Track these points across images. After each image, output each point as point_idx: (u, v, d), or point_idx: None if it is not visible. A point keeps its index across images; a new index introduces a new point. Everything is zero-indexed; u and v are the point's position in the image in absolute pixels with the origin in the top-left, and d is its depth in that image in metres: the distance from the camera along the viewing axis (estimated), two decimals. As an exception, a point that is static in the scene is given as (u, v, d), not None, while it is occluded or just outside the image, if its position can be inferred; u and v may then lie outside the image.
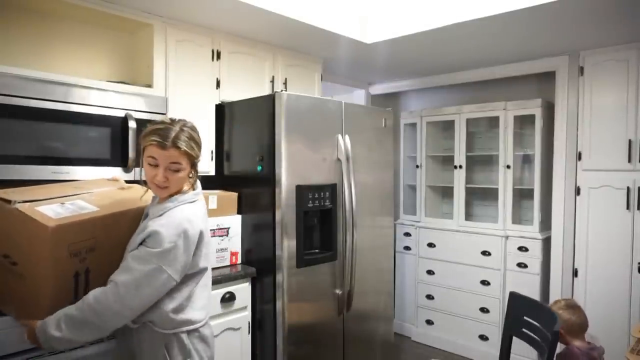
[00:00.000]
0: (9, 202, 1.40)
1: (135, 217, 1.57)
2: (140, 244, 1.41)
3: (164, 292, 1.42)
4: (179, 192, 1.51)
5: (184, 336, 1.47)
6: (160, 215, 1.45)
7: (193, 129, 1.50)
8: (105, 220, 1.49)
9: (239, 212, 2.51)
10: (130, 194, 1.68)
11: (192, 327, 1.49)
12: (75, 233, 1.41)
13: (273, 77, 2.97)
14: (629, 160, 2.83)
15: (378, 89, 4.33)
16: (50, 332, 1.34)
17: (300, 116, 2.33)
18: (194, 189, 1.55)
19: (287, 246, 2.27)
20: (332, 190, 2.46)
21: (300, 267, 2.32)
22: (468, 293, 3.58)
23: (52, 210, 1.41)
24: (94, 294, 1.37)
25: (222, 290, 2.27)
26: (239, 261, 2.50)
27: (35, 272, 1.39)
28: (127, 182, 2.22)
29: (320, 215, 2.49)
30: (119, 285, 1.36)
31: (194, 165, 1.51)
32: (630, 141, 2.83)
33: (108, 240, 1.51)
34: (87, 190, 1.64)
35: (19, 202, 1.39)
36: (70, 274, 1.43)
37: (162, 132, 1.42)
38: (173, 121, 1.47)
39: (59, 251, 1.37)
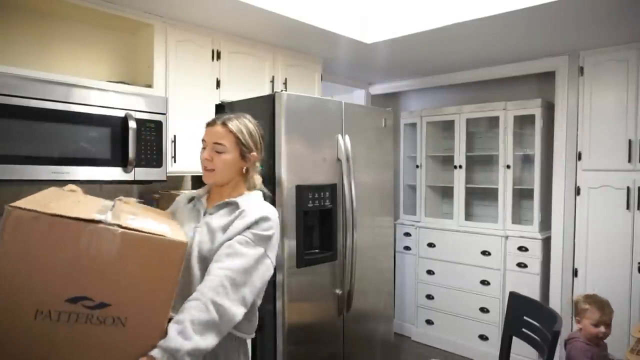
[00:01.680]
0: (93, 221, 1.00)
1: None
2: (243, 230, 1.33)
3: (266, 283, 1.35)
4: (238, 192, 1.45)
5: (249, 342, 1.42)
6: (248, 204, 1.38)
7: (251, 120, 1.50)
8: None
9: (239, 212, 2.51)
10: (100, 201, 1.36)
11: (253, 335, 1.43)
12: None
13: (273, 77, 2.97)
14: (629, 160, 2.83)
15: (378, 89, 4.33)
16: (181, 347, 1.08)
17: (300, 116, 2.33)
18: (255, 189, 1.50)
19: (287, 246, 2.27)
20: (332, 190, 2.46)
21: (300, 267, 2.33)
22: (468, 293, 3.58)
23: (154, 224, 1.12)
24: (206, 287, 1.20)
25: (222, 290, 2.26)
26: (239, 261, 2.49)
27: (148, 310, 1.06)
28: (127, 182, 2.23)
29: (320, 215, 2.49)
30: (234, 270, 1.24)
31: (244, 156, 1.44)
32: (630, 141, 2.83)
33: None
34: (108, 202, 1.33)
35: (111, 222, 1.02)
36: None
37: (219, 116, 1.47)
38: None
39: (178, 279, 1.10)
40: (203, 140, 1.45)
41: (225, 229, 1.34)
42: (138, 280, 1.04)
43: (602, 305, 2.06)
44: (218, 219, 1.38)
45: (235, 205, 1.40)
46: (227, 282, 1.22)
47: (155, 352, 1.06)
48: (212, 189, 1.52)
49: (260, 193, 1.50)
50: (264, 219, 1.35)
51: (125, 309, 1.03)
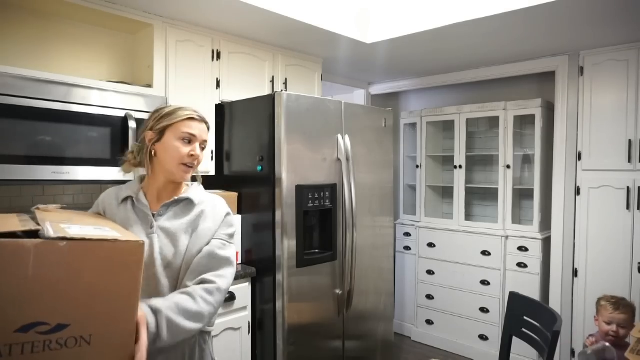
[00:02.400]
0: (30, 237, 0.88)
1: None
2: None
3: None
4: (182, 186, 1.39)
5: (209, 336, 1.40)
6: (201, 199, 1.34)
7: None
8: None
9: (239, 212, 2.51)
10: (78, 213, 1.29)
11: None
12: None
13: (273, 77, 2.97)
14: (629, 160, 2.83)
15: (378, 89, 4.33)
16: (162, 309, 1.11)
17: (300, 116, 2.33)
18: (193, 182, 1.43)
19: (287, 246, 2.27)
20: (332, 190, 2.46)
21: (300, 267, 2.33)
22: (468, 293, 3.58)
23: (97, 229, 1.02)
24: (199, 288, 1.20)
25: (222, 290, 2.27)
26: (239, 261, 2.50)
27: (114, 321, 0.96)
28: (127, 182, 2.22)
29: (320, 215, 2.49)
30: (223, 278, 1.26)
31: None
32: (630, 141, 2.83)
33: None
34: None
35: (52, 235, 0.89)
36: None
37: (189, 107, 1.34)
38: None
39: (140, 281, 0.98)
40: (193, 135, 1.31)
41: (187, 231, 1.29)
42: (97, 291, 0.93)
43: (617, 304, 2.04)
44: (174, 221, 1.30)
45: (188, 202, 1.33)
46: (217, 287, 1.24)
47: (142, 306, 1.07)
48: (147, 185, 1.37)
49: (199, 183, 1.44)
50: (228, 214, 1.36)
51: (87, 326, 0.92)
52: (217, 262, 1.27)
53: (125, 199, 1.34)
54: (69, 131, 1.99)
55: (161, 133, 1.30)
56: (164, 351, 1.20)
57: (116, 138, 2.14)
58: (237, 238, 2.48)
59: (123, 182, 2.13)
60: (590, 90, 3.00)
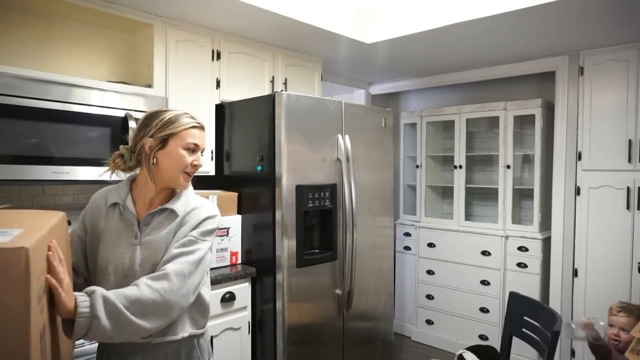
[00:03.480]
0: None
1: (60, 233, 1.10)
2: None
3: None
4: (174, 193, 1.37)
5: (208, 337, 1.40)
6: (191, 207, 1.33)
7: None
8: (49, 238, 0.99)
9: (239, 212, 2.51)
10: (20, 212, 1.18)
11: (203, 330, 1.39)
12: (41, 260, 0.93)
13: (273, 77, 2.97)
14: (629, 160, 2.83)
15: (378, 89, 4.33)
16: (97, 291, 1.08)
17: (300, 116, 2.33)
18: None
19: (287, 246, 2.27)
20: (332, 190, 2.46)
21: (300, 267, 2.33)
22: (468, 293, 3.58)
23: None
24: (145, 276, 1.18)
25: (222, 290, 2.27)
26: (239, 261, 2.50)
27: (4, 341, 0.82)
28: (118, 182, 2.22)
29: (320, 215, 2.49)
30: (185, 263, 1.21)
31: None
32: (630, 141, 2.83)
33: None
34: None
35: None
36: (38, 335, 0.88)
37: (188, 113, 1.33)
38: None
39: (33, 292, 0.85)
40: (197, 145, 1.32)
41: (167, 242, 1.27)
42: None
43: (621, 307, 2.01)
44: (156, 232, 1.28)
45: (171, 212, 1.31)
46: (164, 274, 1.19)
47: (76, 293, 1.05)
48: (139, 190, 1.34)
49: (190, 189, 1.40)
50: (209, 217, 1.33)
51: None
52: (174, 256, 1.23)
53: (113, 205, 1.32)
54: (69, 131, 1.99)
55: (164, 141, 1.28)
56: (139, 351, 1.21)
57: (116, 138, 2.14)
58: (237, 238, 2.48)
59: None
60: (590, 90, 3.00)
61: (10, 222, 0.98)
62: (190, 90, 2.54)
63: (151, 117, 1.32)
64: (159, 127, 1.28)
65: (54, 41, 2.31)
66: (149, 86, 2.40)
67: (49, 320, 0.97)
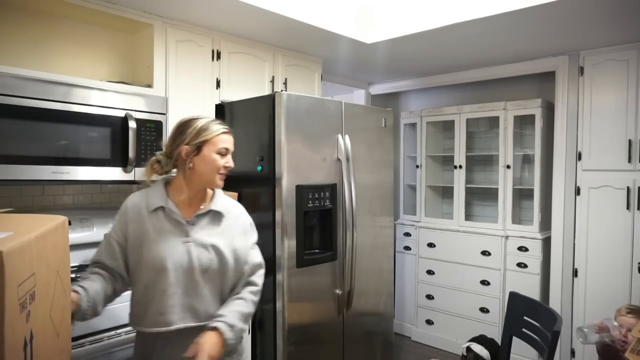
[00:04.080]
0: None
1: (56, 238, 1.09)
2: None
3: None
4: (209, 194, 1.56)
5: None
6: (228, 209, 1.55)
7: None
8: (39, 243, 0.96)
9: (239, 212, 2.51)
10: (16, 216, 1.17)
11: None
12: (23, 265, 0.88)
13: (273, 77, 2.97)
14: (629, 160, 2.83)
15: (378, 89, 4.33)
16: (235, 324, 1.38)
17: (300, 116, 2.33)
18: None
19: (287, 246, 2.27)
20: (332, 190, 2.46)
21: (300, 267, 2.33)
22: (468, 293, 3.58)
23: None
24: (247, 291, 1.49)
25: (222, 290, 2.27)
26: (239, 261, 2.50)
27: None
28: (127, 182, 2.23)
29: (320, 215, 2.49)
30: (262, 274, 1.57)
31: None
32: (630, 141, 2.83)
33: (44, 277, 0.98)
34: None
35: None
36: (20, 343, 0.85)
37: (216, 120, 1.50)
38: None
39: (11, 298, 0.81)
40: (227, 149, 1.48)
41: (219, 240, 1.46)
42: None
43: (630, 308, 1.96)
44: (206, 230, 1.47)
45: (217, 213, 1.51)
46: (259, 289, 1.53)
47: (219, 324, 1.33)
48: (176, 192, 1.46)
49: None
50: (251, 222, 1.61)
51: None
52: (255, 267, 1.54)
53: (156, 208, 1.44)
54: (69, 131, 1.99)
55: (198, 147, 1.43)
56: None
57: (116, 138, 2.14)
58: (237, 238, 2.48)
59: (122, 182, 2.13)
60: (590, 90, 3.00)
61: (3, 226, 0.97)
62: (190, 90, 2.54)
63: (184, 125, 1.45)
64: (193, 135, 1.42)
65: (54, 41, 2.31)
66: (149, 86, 2.40)
67: (43, 326, 0.96)
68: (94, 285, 1.34)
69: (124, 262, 1.43)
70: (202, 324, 1.38)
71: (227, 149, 1.48)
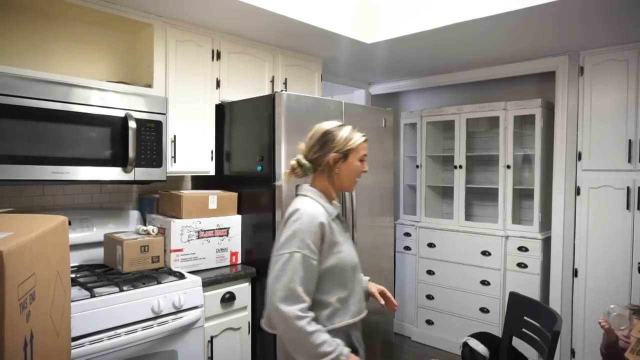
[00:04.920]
0: None
1: (56, 238, 1.08)
2: None
3: None
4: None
5: None
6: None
7: None
8: (39, 243, 0.96)
9: (239, 212, 2.51)
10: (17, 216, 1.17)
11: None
12: (23, 265, 0.88)
13: (273, 77, 2.97)
14: (629, 160, 2.83)
15: (378, 89, 4.33)
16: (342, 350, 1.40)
17: (300, 116, 2.33)
18: None
19: (287, 246, 2.27)
20: (332, 190, 2.46)
21: (300, 267, 2.32)
22: (468, 293, 3.58)
23: None
24: None
25: (222, 290, 2.27)
26: (239, 261, 2.50)
27: None
28: (127, 182, 2.23)
29: (320, 215, 2.49)
30: None
31: None
32: (630, 141, 2.83)
33: (44, 277, 0.98)
34: None
35: None
36: (20, 343, 0.85)
37: (357, 130, 1.61)
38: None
39: (12, 298, 0.81)
40: (365, 155, 1.60)
41: None
42: None
43: (634, 309, 1.98)
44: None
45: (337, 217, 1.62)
46: None
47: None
48: (324, 198, 1.57)
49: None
50: None
51: None
52: None
53: (336, 216, 1.56)
54: (69, 131, 1.99)
55: (345, 155, 1.55)
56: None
57: (116, 138, 2.14)
58: (237, 238, 2.48)
59: (122, 182, 2.12)
60: (590, 90, 3.00)
61: (4, 226, 0.97)
62: (190, 90, 2.54)
63: (331, 135, 1.55)
64: (341, 144, 1.54)
65: (54, 41, 2.31)
66: (149, 86, 2.40)
67: (43, 326, 0.96)
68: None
69: (316, 279, 1.45)
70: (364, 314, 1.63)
71: (366, 155, 1.61)
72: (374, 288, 1.75)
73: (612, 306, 1.89)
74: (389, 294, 1.73)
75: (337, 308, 1.48)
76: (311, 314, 1.38)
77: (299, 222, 1.42)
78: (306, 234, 1.41)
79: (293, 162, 1.57)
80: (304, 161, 1.56)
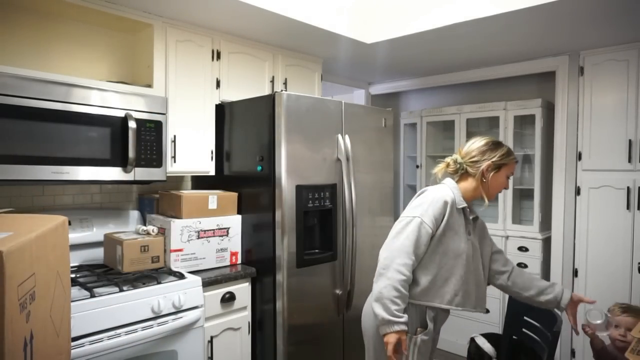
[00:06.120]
0: None
1: (56, 238, 1.07)
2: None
3: None
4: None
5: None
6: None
7: None
8: (39, 243, 0.96)
9: (239, 212, 2.51)
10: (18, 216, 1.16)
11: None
12: (23, 265, 0.88)
13: (273, 77, 2.97)
14: (629, 160, 2.83)
15: (378, 89, 4.33)
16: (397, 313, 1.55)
17: (300, 116, 2.33)
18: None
19: (287, 246, 2.27)
20: (332, 190, 2.46)
21: (300, 267, 2.32)
22: (468, 293, 3.57)
23: None
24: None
25: (222, 290, 2.27)
26: (239, 261, 2.50)
27: None
28: (127, 182, 2.23)
29: (320, 215, 2.49)
30: None
31: None
32: (630, 141, 2.83)
33: (44, 277, 0.97)
34: None
35: None
36: (20, 343, 0.85)
37: (511, 149, 1.78)
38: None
39: (12, 298, 0.81)
40: (512, 174, 1.79)
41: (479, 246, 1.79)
42: None
43: (625, 307, 1.98)
44: (477, 233, 1.79)
45: (479, 220, 1.82)
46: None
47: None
48: (464, 198, 1.73)
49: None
50: None
51: None
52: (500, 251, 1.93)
53: (462, 208, 1.71)
54: (69, 131, 1.99)
55: (498, 167, 1.72)
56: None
57: (116, 138, 2.14)
58: (237, 238, 2.48)
59: (122, 182, 2.13)
60: (590, 90, 3.00)
61: (4, 226, 0.97)
62: (190, 90, 2.54)
63: (496, 145, 1.74)
64: (501, 156, 1.71)
65: (54, 41, 2.31)
66: (149, 86, 2.40)
67: (43, 326, 0.96)
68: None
69: (426, 248, 1.64)
70: (474, 310, 1.70)
71: (512, 174, 1.79)
72: (575, 308, 1.84)
73: (592, 311, 1.91)
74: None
75: (426, 287, 1.64)
76: (408, 275, 1.57)
77: (427, 196, 1.68)
78: (430, 205, 1.64)
79: (449, 159, 1.76)
80: (460, 160, 1.74)
